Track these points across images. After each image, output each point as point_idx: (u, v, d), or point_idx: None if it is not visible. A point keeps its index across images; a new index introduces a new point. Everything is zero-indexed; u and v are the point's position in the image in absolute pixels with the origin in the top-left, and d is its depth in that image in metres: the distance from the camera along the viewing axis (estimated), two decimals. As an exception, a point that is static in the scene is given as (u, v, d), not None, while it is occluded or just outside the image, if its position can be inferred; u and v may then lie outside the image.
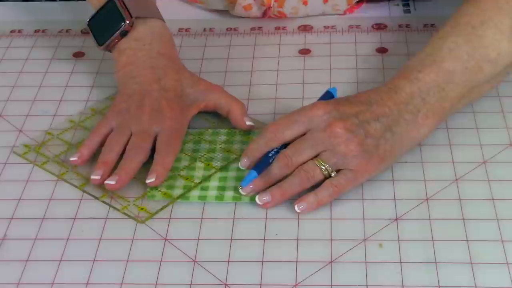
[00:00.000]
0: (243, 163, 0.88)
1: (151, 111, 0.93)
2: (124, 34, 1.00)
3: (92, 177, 0.89)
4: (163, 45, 1.00)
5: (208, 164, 0.92)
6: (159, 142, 0.91)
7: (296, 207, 0.86)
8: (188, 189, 0.89)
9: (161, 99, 0.94)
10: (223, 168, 0.91)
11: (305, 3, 1.15)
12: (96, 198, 0.89)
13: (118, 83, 0.99)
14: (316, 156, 0.86)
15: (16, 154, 0.96)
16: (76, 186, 0.91)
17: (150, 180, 0.88)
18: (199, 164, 0.92)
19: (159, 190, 0.89)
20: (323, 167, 0.86)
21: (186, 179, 0.90)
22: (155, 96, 0.94)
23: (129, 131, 0.92)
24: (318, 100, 0.92)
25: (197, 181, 0.90)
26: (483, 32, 0.91)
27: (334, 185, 0.86)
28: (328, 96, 0.93)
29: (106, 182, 0.88)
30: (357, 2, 1.16)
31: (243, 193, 0.88)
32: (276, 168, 0.87)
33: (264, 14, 1.16)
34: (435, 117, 0.90)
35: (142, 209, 0.88)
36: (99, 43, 1.02)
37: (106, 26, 1.01)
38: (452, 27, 0.93)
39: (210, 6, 1.18)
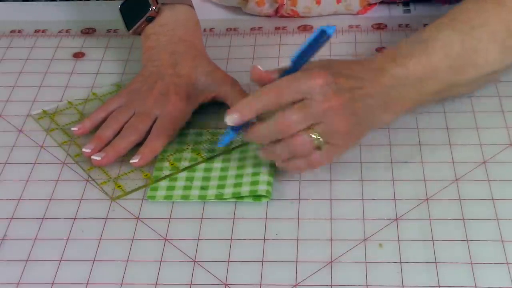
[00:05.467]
0: (232, 119, 0.84)
1: (158, 95, 0.95)
2: (150, 19, 1.03)
3: (84, 149, 0.92)
4: (186, 31, 1.02)
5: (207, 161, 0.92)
6: (154, 126, 0.93)
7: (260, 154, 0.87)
8: (188, 189, 0.89)
9: (170, 84, 0.96)
10: (223, 168, 0.91)
11: (318, 3, 1.15)
12: (83, 169, 0.92)
13: (142, 65, 1.01)
14: (308, 128, 0.84)
15: (32, 118, 0.99)
16: (70, 156, 0.94)
17: (133, 160, 0.90)
18: (199, 165, 0.92)
19: (160, 190, 0.89)
20: (316, 141, 0.84)
21: (187, 179, 0.91)
22: (167, 81, 0.96)
23: (132, 111, 0.94)
24: (311, 41, 0.83)
25: (197, 180, 0.90)
26: (479, 35, 0.91)
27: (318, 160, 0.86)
28: (323, 39, 0.82)
29: (92, 157, 0.91)
30: (370, 4, 1.16)
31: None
32: (271, 132, 0.84)
33: (277, 12, 1.16)
34: (405, 107, 0.90)
35: (119, 186, 0.90)
36: (128, 28, 1.05)
37: (135, 12, 1.04)
38: (450, 20, 0.92)
39: (224, 3, 1.19)
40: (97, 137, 0.92)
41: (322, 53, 1.09)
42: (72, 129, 0.95)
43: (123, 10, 1.07)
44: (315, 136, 0.84)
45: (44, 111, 1.01)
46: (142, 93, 0.96)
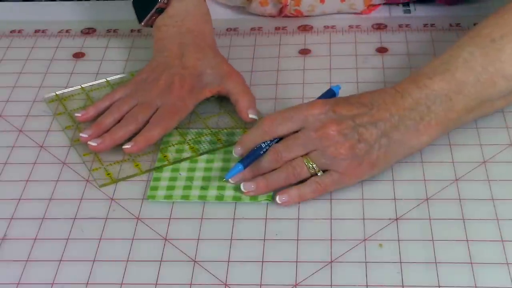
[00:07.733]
0: (237, 151, 0.89)
1: (163, 86, 0.96)
2: (160, 11, 1.04)
3: (81, 134, 0.93)
4: (195, 22, 1.03)
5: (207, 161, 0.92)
6: (154, 116, 0.94)
7: (277, 198, 0.87)
8: (188, 189, 0.90)
9: (176, 75, 0.97)
10: (224, 169, 0.91)
11: (322, 1, 1.15)
12: (79, 154, 0.94)
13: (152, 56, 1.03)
14: (306, 154, 0.87)
15: (44, 101, 1.02)
16: (69, 139, 0.96)
17: (126, 146, 0.91)
18: (199, 165, 0.92)
19: (160, 190, 0.89)
20: (311, 166, 0.86)
21: (187, 179, 0.91)
22: (173, 72, 0.97)
23: (135, 101, 0.95)
24: (319, 97, 0.93)
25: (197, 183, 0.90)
26: (502, 46, 0.88)
27: (318, 183, 0.86)
28: (329, 94, 0.93)
29: (89, 142, 0.92)
30: (374, 4, 1.16)
31: (231, 181, 0.89)
32: (266, 162, 0.88)
33: (280, 12, 1.16)
34: (438, 126, 0.88)
35: (108, 174, 0.91)
36: (140, 21, 1.06)
37: (146, 4, 1.06)
38: (471, 37, 0.90)
39: (228, 2, 1.19)
40: (97, 124, 0.94)
41: (323, 53, 1.10)
42: (76, 115, 0.97)
43: (135, 3, 1.08)
44: (307, 163, 0.86)
45: (57, 95, 1.03)
46: (148, 84, 0.97)
